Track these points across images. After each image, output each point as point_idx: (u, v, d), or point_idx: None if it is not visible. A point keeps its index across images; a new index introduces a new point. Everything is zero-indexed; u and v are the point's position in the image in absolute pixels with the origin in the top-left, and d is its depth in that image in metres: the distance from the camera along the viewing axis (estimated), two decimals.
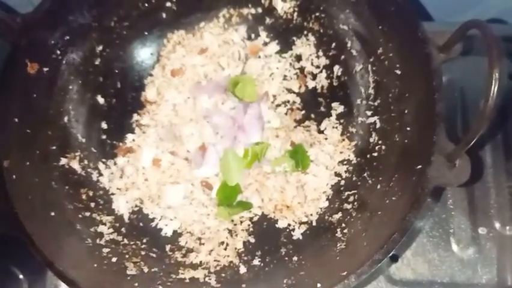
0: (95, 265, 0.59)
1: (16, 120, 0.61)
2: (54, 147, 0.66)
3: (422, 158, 0.55)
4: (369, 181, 0.66)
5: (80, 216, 0.64)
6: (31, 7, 0.64)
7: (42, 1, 0.63)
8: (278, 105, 0.75)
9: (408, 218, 0.53)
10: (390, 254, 0.54)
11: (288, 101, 0.75)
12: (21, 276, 0.80)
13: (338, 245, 0.61)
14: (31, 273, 0.79)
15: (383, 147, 0.67)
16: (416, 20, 0.60)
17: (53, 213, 0.60)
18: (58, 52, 0.67)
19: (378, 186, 0.63)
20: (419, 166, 0.56)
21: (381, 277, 0.68)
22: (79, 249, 0.60)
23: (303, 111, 0.74)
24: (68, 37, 0.68)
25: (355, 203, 0.65)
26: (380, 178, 0.64)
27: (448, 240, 0.70)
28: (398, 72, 0.65)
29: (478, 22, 0.49)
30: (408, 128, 0.62)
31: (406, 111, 0.63)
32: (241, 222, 0.69)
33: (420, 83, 0.60)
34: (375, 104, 0.70)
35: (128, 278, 0.59)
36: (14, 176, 0.58)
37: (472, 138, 0.50)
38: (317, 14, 0.74)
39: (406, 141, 0.62)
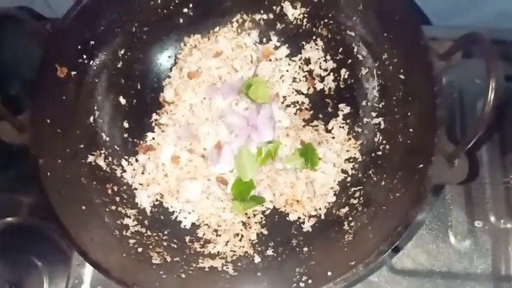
0: (124, 255, 0.63)
1: (48, 121, 0.65)
2: (82, 146, 0.70)
3: (424, 158, 0.59)
4: (374, 178, 0.69)
5: (107, 209, 0.68)
6: (48, 9, 0.67)
7: (69, 9, 0.67)
8: (288, 106, 0.79)
9: (410, 213, 0.57)
10: (394, 246, 0.58)
11: (297, 102, 0.79)
12: (41, 266, 0.84)
13: (346, 237, 0.65)
14: (51, 264, 0.82)
15: (387, 146, 0.70)
16: (419, 29, 0.64)
17: (83, 207, 0.65)
18: (85, 56, 0.71)
19: (383, 183, 0.67)
20: (421, 165, 0.59)
21: (383, 267, 0.71)
22: (108, 241, 0.64)
23: (312, 112, 0.78)
24: (93, 42, 0.71)
25: (361, 198, 0.69)
26: (384, 175, 0.67)
27: (446, 233, 0.73)
28: (402, 77, 0.68)
29: (477, 36, 0.53)
30: (411, 130, 0.66)
31: (409, 114, 0.66)
32: (255, 215, 0.73)
33: (423, 88, 0.64)
34: (380, 106, 0.73)
35: (154, 266, 0.63)
36: (48, 173, 0.62)
37: (469, 141, 0.53)
38: (326, 20, 0.77)
39: (409, 141, 0.65)
